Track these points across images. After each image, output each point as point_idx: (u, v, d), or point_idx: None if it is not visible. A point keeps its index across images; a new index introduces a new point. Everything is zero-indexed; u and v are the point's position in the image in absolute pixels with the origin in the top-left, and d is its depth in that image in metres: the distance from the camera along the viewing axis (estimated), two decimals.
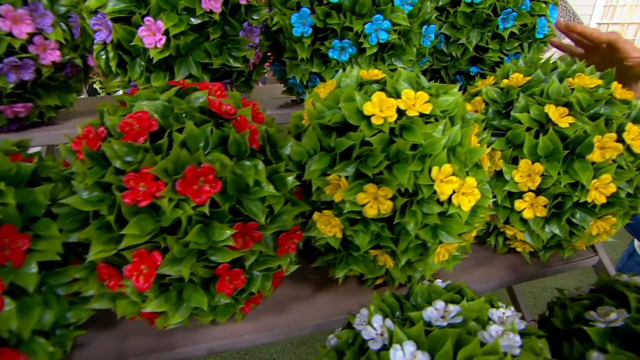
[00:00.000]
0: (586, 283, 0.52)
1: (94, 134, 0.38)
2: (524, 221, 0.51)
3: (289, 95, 0.71)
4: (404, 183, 0.40)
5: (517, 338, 0.37)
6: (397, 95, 0.45)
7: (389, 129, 0.42)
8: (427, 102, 0.44)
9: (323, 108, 0.47)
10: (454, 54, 0.69)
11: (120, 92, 0.59)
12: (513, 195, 0.51)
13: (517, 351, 0.36)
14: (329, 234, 0.45)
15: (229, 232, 0.36)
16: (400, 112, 0.43)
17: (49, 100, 0.58)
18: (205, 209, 0.35)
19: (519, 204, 0.50)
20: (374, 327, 0.42)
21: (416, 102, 0.44)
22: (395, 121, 0.43)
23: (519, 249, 0.57)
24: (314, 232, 0.46)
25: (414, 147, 0.42)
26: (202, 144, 0.37)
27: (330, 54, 0.56)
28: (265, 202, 0.39)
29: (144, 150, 0.36)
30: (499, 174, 0.51)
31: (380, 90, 0.45)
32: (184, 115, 0.39)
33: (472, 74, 0.72)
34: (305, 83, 0.62)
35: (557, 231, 0.49)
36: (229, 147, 0.38)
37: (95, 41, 0.52)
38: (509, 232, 0.54)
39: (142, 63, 0.53)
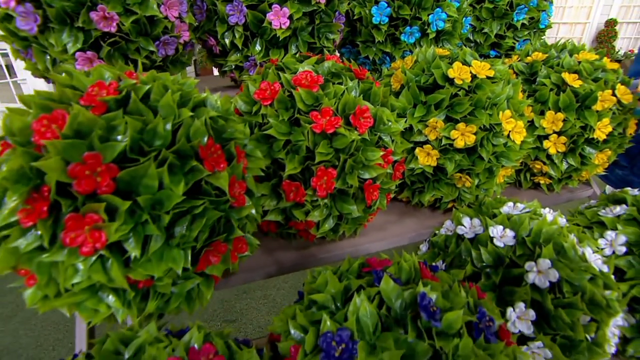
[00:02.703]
0: None
1: (272, 87, 0.52)
2: (548, 156, 0.71)
3: None
4: (484, 122, 0.58)
5: (565, 220, 0.56)
6: (468, 65, 0.62)
7: (467, 87, 0.60)
8: (490, 69, 0.62)
9: (412, 75, 0.64)
10: (478, 40, 0.88)
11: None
12: (540, 138, 0.70)
13: (567, 225, 0.54)
14: (426, 163, 0.61)
15: (380, 153, 0.52)
16: (473, 76, 0.61)
17: (174, 73, 0.70)
18: (366, 136, 0.51)
19: (546, 143, 0.69)
20: (464, 225, 0.59)
21: (482, 69, 0.62)
22: (470, 82, 0.60)
23: (541, 182, 0.77)
24: (413, 164, 0.62)
25: (487, 98, 0.60)
26: (354, 93, 0.53)
27: (402, 37, 0.73)
28: (392, 137, 0.55)
29: (322, 96, 0.50)
30: (530, 123, 0.70)
31: (454, 61, 0.63)
32: (332, 73, 0.54)
33: (491, 56, 0.91)
34: (376, 61, 0.78)
35: (572, 162, 0.70)
36: (371, 96, 0.54)
37: (227, 24, 0.65)
38: (536, 167, 0.74)
39: (263, 42, 0.67)
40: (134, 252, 0.35)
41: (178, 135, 0.39)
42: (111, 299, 0.39)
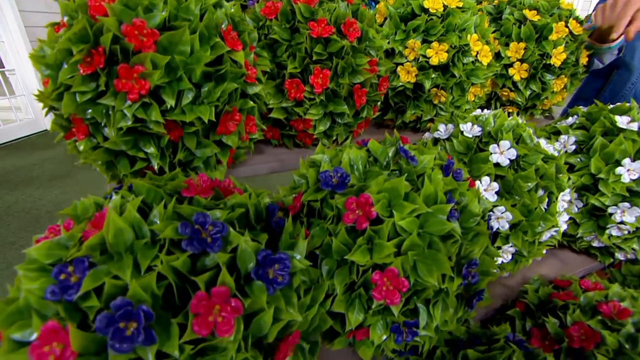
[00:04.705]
0: None
1: (275, 5, 0.62)
2: (514, 83, 0.81)
3: None
4: (454, 42, 0.68)
5: (523, 120, 0.66)
6: None
7: (440, 15, 0.71)
8: (459, 0, 0.73)
9: (393, 8, 0.74)
10: None
11: None
12: (506, 67, 0.81)
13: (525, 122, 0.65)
14: (407, 80, 0.72)
15: (367, 59, 0.62)
16: (445, 6, 0.72)
17: None
18: (355, 44, 0.61)
19: (511, 71, 0.80)
20: (440, 130, 0.69)
21: (453, 1, 0.73)
22: (443, 11, 0.71)
23: (509, 111, 0.88)
24: (396, 82, 0.72)
25: (457, 24, 0.70)
26: (344, 9, 0.63)
27: None
28: (377, 53, 0.66)
29: (317, 10, 0.60)
30: (497, 55, 0.81)
31: None
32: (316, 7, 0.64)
33: None
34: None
35: (534, 87, 0.80)
36: (359, 16, 0.64)
37: None
38: (504, 95, 0.85)
39: None
40: (170, 102, 0.45)
41: (205, 17, 0.48)
42: (148, 148, 0.48)
